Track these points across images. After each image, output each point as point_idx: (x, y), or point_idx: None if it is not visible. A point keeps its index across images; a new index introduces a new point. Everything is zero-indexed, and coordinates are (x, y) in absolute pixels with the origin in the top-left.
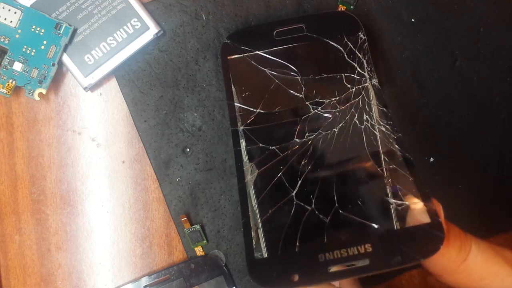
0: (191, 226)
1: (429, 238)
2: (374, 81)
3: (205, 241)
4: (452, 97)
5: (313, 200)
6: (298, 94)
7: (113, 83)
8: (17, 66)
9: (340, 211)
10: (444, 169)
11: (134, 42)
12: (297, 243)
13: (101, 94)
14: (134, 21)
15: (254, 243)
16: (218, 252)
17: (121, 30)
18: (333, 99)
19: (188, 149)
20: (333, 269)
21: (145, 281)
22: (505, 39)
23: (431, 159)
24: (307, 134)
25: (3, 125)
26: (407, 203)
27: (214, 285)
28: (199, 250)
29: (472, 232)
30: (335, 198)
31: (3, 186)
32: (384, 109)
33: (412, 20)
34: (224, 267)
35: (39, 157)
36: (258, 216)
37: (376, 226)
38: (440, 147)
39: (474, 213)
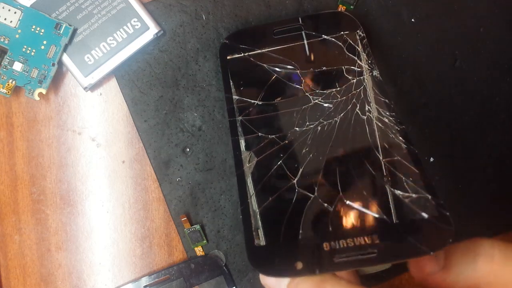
0: (191, 226)
1: (437, 231)
2: (376, 73)
3: (205, 241)
4: (452, 97)
5: (316, 188)
6: (298, 86)
7: (113, 83)
8: (17, 66)
9: (345, 201)
10: (444, 169)
11: (134, 42)
12: (300, 231)
13: (101, 94)
14: (134, 21)
15: (253, 230)
16: (218, 252)
17: (121, 30)
18: (334, 89)
19: (188, 149)
20: (339, 259)
21: (145, 281)
22: (505, 39)
23: (431, 159)
24: (307, 123)
25: (3, 125)
26: (413, 195)
27: (214, 285)
28: (199, 250)
29: (472, 233)
30: (339, 187)
31: (3, 186)
32: (387, 100)
33: (412, 20)
34: (224, 267)
35: (39, 157)
36: (258, 203)
37: (382, 217)
38: (440, 147)
39: (474, 213)
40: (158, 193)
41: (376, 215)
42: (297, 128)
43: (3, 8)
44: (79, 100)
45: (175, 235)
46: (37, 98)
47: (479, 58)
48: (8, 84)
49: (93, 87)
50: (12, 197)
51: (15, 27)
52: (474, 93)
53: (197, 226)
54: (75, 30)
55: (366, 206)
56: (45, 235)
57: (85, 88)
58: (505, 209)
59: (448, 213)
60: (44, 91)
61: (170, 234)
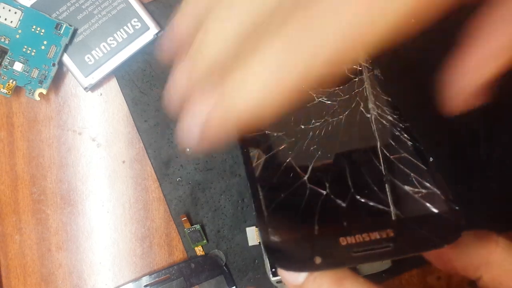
0: (191, 226)
1: (449, 225)
2: (377, 72)
3: (205, 241)
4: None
5: (327, 185)
6: None
7: (113, 83)
8: (18, 66)
9: (357, 197)
10: (444, 169)
11: (134, 42)
12: (316, 226)
13: (101, 94)
14: (134, 21)
15: (269, 226)
16: (218, 251)
17: (121, 30)
18: (336, 88)
19: (188, 149)
20: (357, 253)
21: (145, 280)
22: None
23: (431, 159)
24: (313, 121)
25: (4, 125)
26: (423, 190)
27: (214, 285)
28: (199, 250)
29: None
30: (350, 183)
31: (4, 186)
32: (389, 99)
33: (412, 19)
34: (224, 267)
35: (40, 157)
36: (270, 200)
37: (395, 212)
38: (440, 147)
39: (474, 213)
40: (158, 193)
41: (388, 210)
42: (302, 126)
43: (3, 8)
44: (80, 100)
45: (175, 235)
46: (37, 98)
47: None
48: (9, 84)
49: (93, 87)
50: (12, 197)
51: (15, 27)
52: None
53: (197, 226)
54: (75, 30)
55: (377, 201)
56: (45, 235)
57: (85, 88)
58: (505, 209)
59: (457, 207)
60: (44, 91)
61: (170, 234)
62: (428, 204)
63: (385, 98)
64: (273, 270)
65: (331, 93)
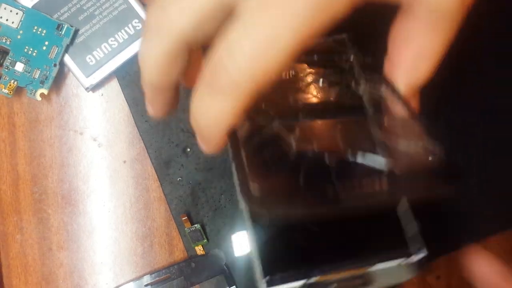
0: (192, 225)
1: (446, 172)
2: (368, 59)
3: (205, 240)
4: (452, 95)
5: (315, 145)
6: (290, 71)
7: (114, 84)
8: (19, 67)
9: (349, 153)
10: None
11: (135, 43)
12: (301, 179)
13: (102, 94)
14: (135, 22)
15: (250, 179)
16: (219, 251)
17: (122, 31)
18: (326, 70)
19: (188, 149)
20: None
21: (146, 280)
22: (506, 34)
23: (429, 158)
24: (302, 95)
25: (5, 125)
26: (414, 145)
27: (215, 284)
28: (199, 249)
29: (468, 233)
30: (340, 144)
31: (5, 185)
32: (379, 74)
33: None
34: (225, 266)
35: (41, 157)
36: (252, 160)
37: (389, 164)
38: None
39: (473, 213)
40: (159, 193)
41: (384, 162)
42: (291, 101)
43: (4, 9)
44: (81, 100)
45: (176, 234)
46: (39, 98)
47: (480, 55)
48: (10, 85)
49: (94, 88)
50: (14, 196)
51: (16, 28)
52: (473, 91)
53: (198, 226)
54: (76, 31)
55: (371, 160)
56: (46, 234)
57: (86, 89)
58: (504, 208)
59: (454, 159)
60: (46, 92)
61: (171, 233)
62: (424, 156)
63: (375, 74)
64: (267, 278)
65: (322, 75)
